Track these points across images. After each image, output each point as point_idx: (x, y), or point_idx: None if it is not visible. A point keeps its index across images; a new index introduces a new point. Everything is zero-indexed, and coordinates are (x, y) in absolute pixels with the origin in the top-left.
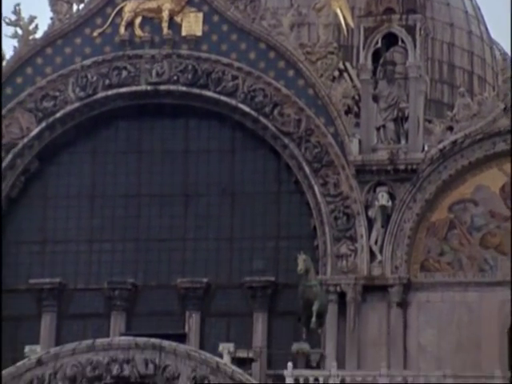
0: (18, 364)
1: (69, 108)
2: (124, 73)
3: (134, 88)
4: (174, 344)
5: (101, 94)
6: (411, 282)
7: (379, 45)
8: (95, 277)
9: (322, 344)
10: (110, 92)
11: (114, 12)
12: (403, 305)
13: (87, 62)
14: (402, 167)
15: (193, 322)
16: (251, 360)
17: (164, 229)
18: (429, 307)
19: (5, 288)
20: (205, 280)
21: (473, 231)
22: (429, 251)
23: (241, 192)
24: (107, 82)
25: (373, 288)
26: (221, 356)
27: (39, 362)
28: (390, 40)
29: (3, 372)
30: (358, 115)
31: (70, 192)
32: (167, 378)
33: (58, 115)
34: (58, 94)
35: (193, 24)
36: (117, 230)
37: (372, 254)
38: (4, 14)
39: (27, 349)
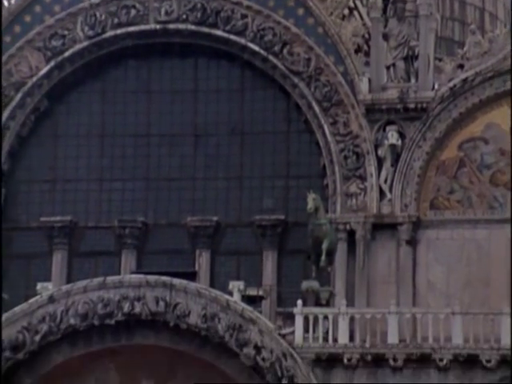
0: (31, 301)
1: (77, 47)
2: (133, 11)
3: (142, 27)
4: (184, 282)
5: (109, 33)
6: (420, 220)
7: None
8: (106, 215)
9: (332, 282)
10: (118, 31)
11: None
12: (412, 242)
13: (96, 0)
14: (411, 106)
15: (203, 261)
16: (261, 298)
17: (174, 168)
18: (438, 244)
19: (16, 226)
20: (215, 218)
21: (483, 169)
22: (438, 189)
23: (250, 131)
24: (116, 20)
25: (382, 226)
26: (231, 294)
27: (51, 299)
28: None
29: (16, 308)
30: (367, 54)
31: (79, 131)
32: (178, 316)
33: (66, 54)
34: (66, 32)
35: None
36: (127, 169)
37: (381, 193)
38: None
39: (39, 286)
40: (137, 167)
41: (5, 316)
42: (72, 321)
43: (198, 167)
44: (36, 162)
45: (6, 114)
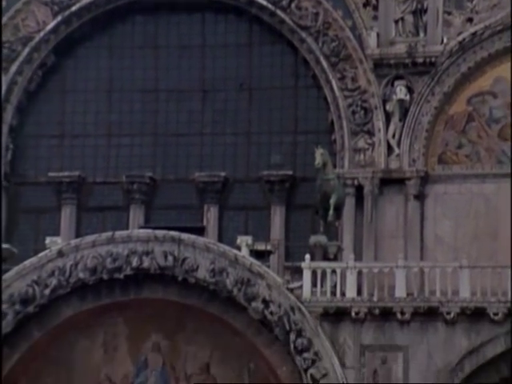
0: (40, 255)
1: (85, 1)
2: None
3: None
4: (192, 237)
5: None
6: (428, 175)
7: None
8: (113, 170)
9: (340, 237)
10: None
11: None
12: (420, 197)
13: None
14: (420, 60)
15: (211, 216)
16: (269, 252)
17: (182, 124)
18: (446, 199)
19: (25, 181)
20: (223, 174)
21: (491, 123)
22: (447, 144)
23: (258, 87)
24: None
25: (390, 181)
26: (239, 249)
27: (60, 254)
28: None
29: (25, 262)
30: (376, 8)
31: (87, 86)
32: (186, 270)
33: (73, 9)
34: None
35: None
36: (135, 124)
37: (389, 148)
38: None
39: (48, 240)
40: (145, 123)
41: (15, 269)
42: (81, 275)
43: (206, 123)
44: (44, 117)
45: (13, 69)
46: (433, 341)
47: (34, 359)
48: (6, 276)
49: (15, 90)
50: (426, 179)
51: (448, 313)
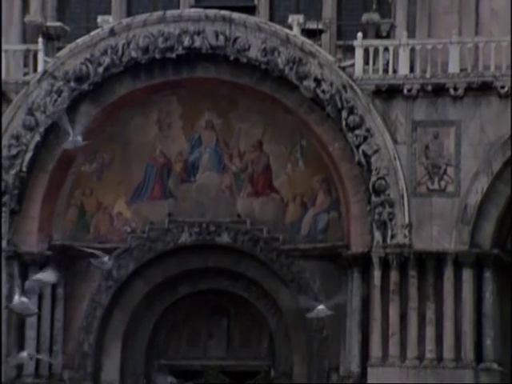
0: (92, 33)
1: None
2: None
3: None
4: (243, 16)
5: None
6: None
7: None
8: None
9: (393, 14)
10: None
11: None
12: None
13: None
14: None
15: None
16: (321, 31)
17: None
18: None
19: None
20: None
21: None
22: None
23: None
24: None
25: None
26: (290, 28)
27: (112, 32)
28: None
29: (78, 40)
30: None
31: None
32: (238, 50)
33: None
34: None
35: None
36: None
37: None
38: None
39: (100, 19)
40: None
41: (68, 47)
42: (133, 54)
43: None
44: None
45: None
46: (486, 115)
47: (89, 135)
48: (59, 54)
49: None
50: None
51: (502, 87)
